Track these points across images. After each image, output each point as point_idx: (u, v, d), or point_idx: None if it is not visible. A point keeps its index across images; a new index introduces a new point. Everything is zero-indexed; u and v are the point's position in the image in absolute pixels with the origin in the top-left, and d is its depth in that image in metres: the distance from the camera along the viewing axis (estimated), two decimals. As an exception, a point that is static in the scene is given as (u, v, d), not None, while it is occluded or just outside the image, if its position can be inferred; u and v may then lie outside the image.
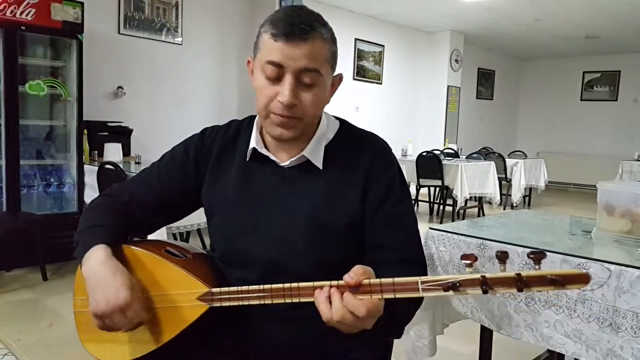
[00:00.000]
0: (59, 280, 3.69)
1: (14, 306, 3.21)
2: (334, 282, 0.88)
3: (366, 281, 0.85)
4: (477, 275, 0.79)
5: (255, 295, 0.94)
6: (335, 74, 1.12)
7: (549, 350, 2.02)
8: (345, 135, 1.17)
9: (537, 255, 0.79)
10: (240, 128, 1.21)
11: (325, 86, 1.08)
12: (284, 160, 1.13)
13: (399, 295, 0.84)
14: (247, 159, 1.15)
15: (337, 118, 1.20)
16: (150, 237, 2.47)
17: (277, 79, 1.02)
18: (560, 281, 0.75)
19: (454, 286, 0.80)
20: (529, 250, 1.50)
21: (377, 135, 1.20)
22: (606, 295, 1.34)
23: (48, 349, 2.63)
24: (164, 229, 2.95)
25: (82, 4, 3.97)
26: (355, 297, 0.85)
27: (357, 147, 1.14)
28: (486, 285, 0.78)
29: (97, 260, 1.01)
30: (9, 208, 3.78)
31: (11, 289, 3.50)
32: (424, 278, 0.82)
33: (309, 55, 1.01)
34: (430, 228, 1.76)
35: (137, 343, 1.05)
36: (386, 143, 1.20)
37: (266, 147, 1.14)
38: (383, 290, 0.84)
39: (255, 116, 1.20)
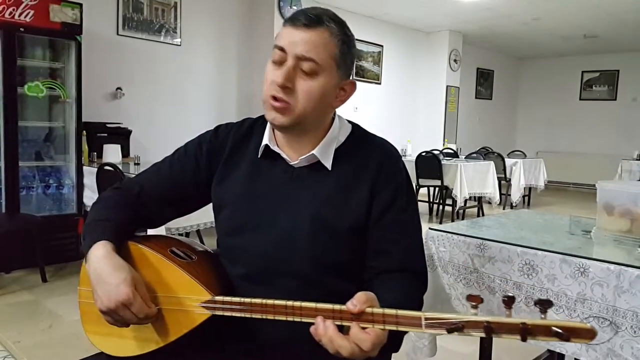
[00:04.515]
0: (58, 282, 3.69)
1: (13, 308, 3.20)
2: (337, 307, 0.87)
3: (369, 310, 0.85)
4: (482, 319, 0.78)
5: (257, 309, 0.94)
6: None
7: (549, 350, 2.02)
8: (356, 140, 1.18)
9: (544, 304, 0.77)
10: (254, 125, 1.23)
11: (326, 83, 1.07)
12: (294, 158, 1.13)
13: (401, 329, 0.83)
14: (259, 156, 1.16)
15: (350, 122, 1.21)
16: (150, 232, 2.47)
17: (280, 64, 1.06)
18: (564, 335, 0.74)
19: (457, 328, 0.79)
20: (525, 248, 1.51)
21: (387, 141, 1.21)
22: (606, 295, 1.34)
23: (48, 351, 2.62)
24: (162, 228, 2.96)
25: (81, 5, 3.97)
26: (362, 331, 0.84)
27: (366, 151, 1.15)
28: (490, 330, 0.77)
29: (97, 257, 1.01)
30: (8, 210, 3.78)
31: (10, 290, 3.49)
32: (428, 314, 0.82)
33: (309, 42, 1.04)
34: (430, 228, 1.76)
35: (140, 341, 1.06)
36: (396, 149, 1.21)
37: (277, 146, 1.15)
38: (385, 321, 0.84)
39: None
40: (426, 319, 0.81)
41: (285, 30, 1.07)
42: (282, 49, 1.05)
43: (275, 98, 1.05)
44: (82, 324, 1.15)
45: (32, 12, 3.71)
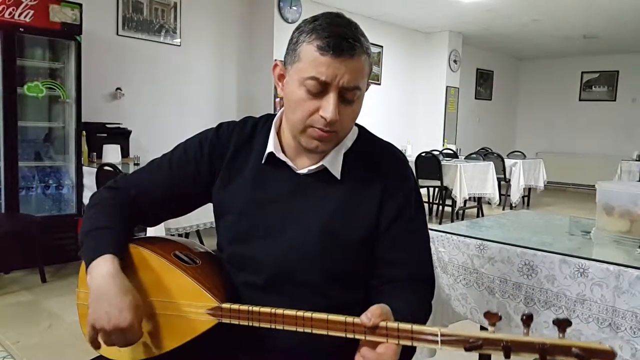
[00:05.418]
0: (57, 282, 3.69)
1: (13, 308, 3.20)
2: (349, 319, 0.84)
3: (383, 324, 0.83)
4: (501, 337, 0.75)
5: (266, 318, 0.92)
6: None
7: (548, 351, 2.02)
8: (364, 145, 1.15)
9: (563, 323, 0.74)
10: (256, 127, 1.18)
11: (362, 100, 1.06)
12: (302, 167, 1.10)
13: (416, 344, 0.81)
14: (263, 162, 1.12)
15: (356, 124, 1.16)
16: (149, 232, 2.46)
17: (318, 93, 1.00)
18: (584, 357, 0.71)
19: (476, 346, 0.76)
20: (525, 249, 1.51)
21: (394, 146, 1.20)
22: (605, 296, 1.34)
23: (47, 351, 2.62)
24: (162, 227, 2.95)
25: (81, 5, 3.97)
26: (373, 351, 0.83)
27: (375, 158, 1.13)
28: (509, 349, 0.75)
29: (103, 273, 0.98)
30: (8, 210, 3.78)
31: (10, 291, 3.49)
32: (443, 330, 0.79)
33: (354, 72, 0.99)
34: (430, 229, 1.76)
35: (141, 346, 1.04)
36: (403, 155, 1.19)
37: (284, 152, 1.11)
38: (400, 336, 0.82)
39: (272, 116, 1.18)
40: (442, 335, 0.78)
41: (324, 61, 0.97)
42: (323, 83, 0.98)
43: (322, 130, 1.02)
44: (82, 327, 1.12)
45: (32, 12, 3.71)
